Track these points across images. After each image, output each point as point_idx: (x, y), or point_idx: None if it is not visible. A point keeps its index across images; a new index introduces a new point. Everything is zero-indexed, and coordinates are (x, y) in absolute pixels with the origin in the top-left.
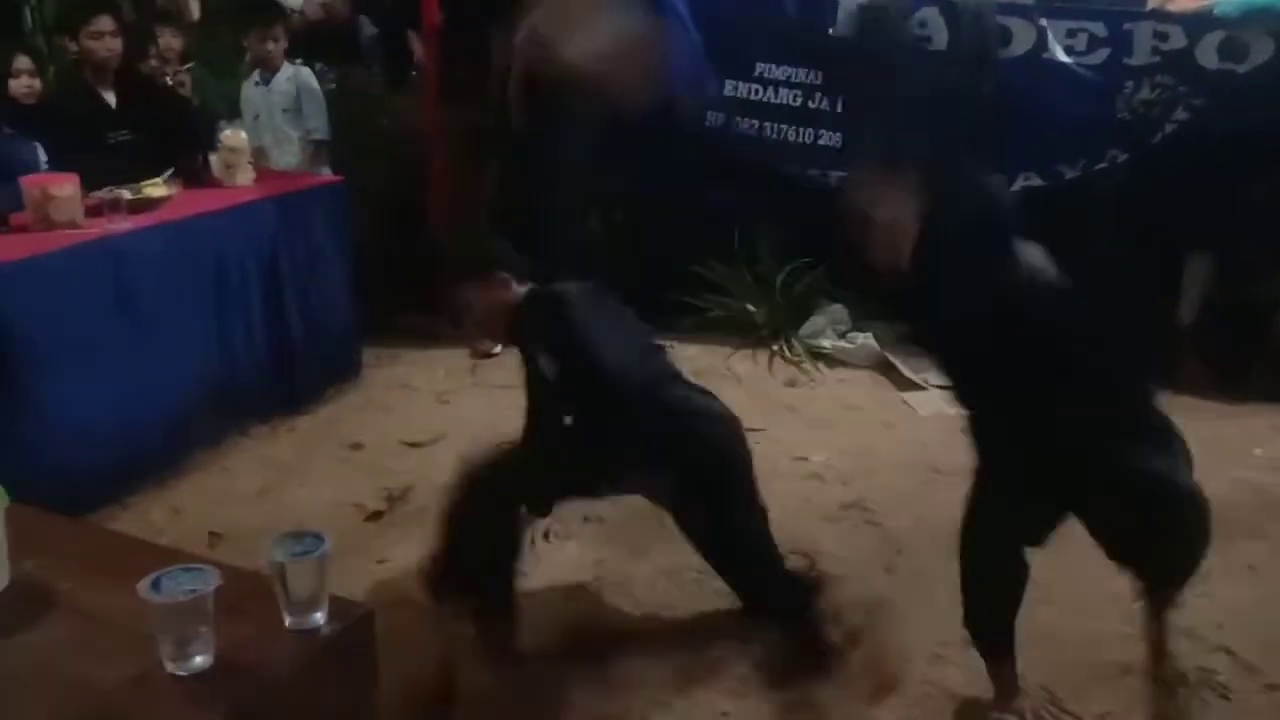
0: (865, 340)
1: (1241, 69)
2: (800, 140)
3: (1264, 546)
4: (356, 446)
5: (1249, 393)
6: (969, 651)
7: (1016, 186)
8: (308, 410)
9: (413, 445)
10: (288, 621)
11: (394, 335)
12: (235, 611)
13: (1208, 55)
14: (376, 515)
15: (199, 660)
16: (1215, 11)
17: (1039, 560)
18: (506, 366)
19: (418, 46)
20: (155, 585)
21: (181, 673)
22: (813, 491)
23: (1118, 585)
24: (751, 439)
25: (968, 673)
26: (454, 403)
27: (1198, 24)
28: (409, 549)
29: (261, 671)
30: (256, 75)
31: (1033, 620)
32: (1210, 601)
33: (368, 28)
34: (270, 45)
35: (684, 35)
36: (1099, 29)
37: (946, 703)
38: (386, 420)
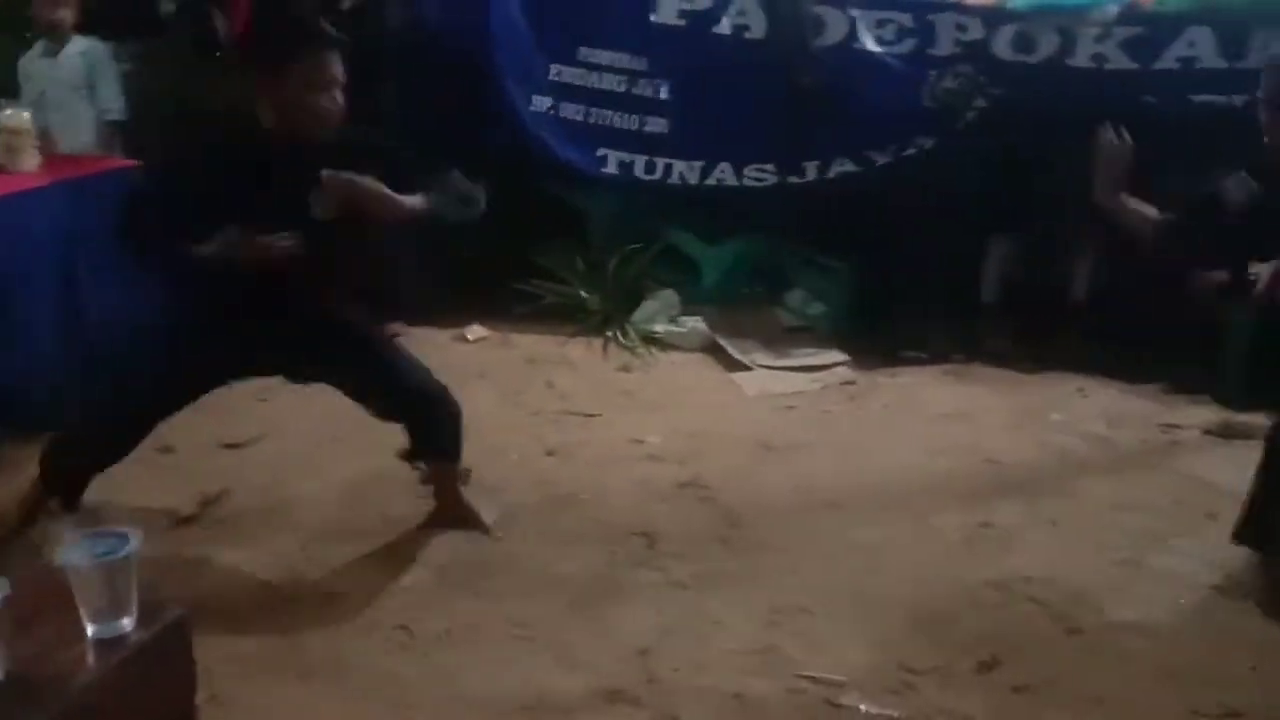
0: (695, 324)
1: (1033, 60)
2: (626, 126)
3: (1064, 502)
4: (166, 450)
5: (1046, 363)
6: (800, 617)
7: (831, 173)
8: None
9: (229, 446)
10: (91, 630)
11: None
12: (30, 622)
13: (1003, 47)
14: (188, 520)
15: None
16: (1009, 5)
17: None
18: None
19: (221, 22)
20: None
21: None
22: (650, 472)
23: None
24: (588, 424)
25: (800, 638)
26: (272, 400)
27: (993, 17)
28: (226, 554)
29: (61, 685)
30: (40, 47)
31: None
32: (1019, 557)
33: (167, 3)
34: (60, 12)
35: (509, 15)
36: (906, 20)
37: (783, 666)
38: (199, 421)
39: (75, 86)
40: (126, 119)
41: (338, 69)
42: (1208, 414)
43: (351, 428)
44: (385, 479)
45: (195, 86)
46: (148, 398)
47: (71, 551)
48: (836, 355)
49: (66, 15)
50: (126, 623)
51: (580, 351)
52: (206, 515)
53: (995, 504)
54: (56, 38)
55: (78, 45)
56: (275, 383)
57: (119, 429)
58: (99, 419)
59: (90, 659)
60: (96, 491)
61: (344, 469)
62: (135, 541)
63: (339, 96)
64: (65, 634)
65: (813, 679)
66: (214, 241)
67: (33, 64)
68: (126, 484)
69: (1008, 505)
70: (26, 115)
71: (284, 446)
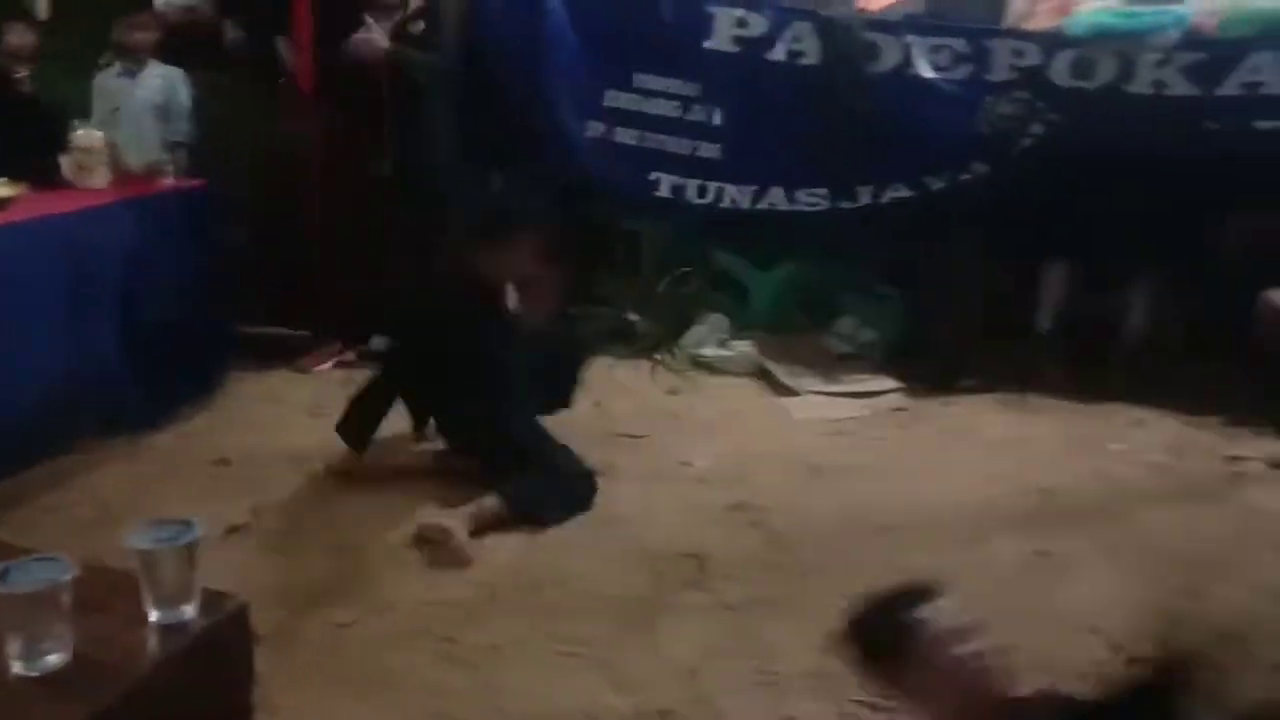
0: (744, 348)
1: (1090, 86)
2: (679, 151)
3: (1123, 531)
4: (222, 462)
5: (1103, 394)
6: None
7: (885, 198)
8: (168, 425)
9: (284, 460)
10: (153, 616)
11: (264, 349)
12: (96, 608)
13: (1060, 73)
14: (239, 529)
15: (53, 659)
16: (1066, 31)
17: None
18: None
19: (288, 53)
20: (2, 577)
21: (33, 673)
22: (698, 494)
23: None
24: (636, 445)
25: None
26: (327, 417)
27: (1050, 42)
28: (275, 562)
29: (124, 669)
30: (118, 66)
31: None
32: (1077, 586)
33: (233, 32)
34: (142, 35)
35: (563, 44)
36: (961, 46)
37: (834, 690)
38: (255, 436)
39: (150, 108)
40: (193, 143)
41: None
42: (1273, 447)
43: (403, 440)
44: (438, 492)
45: (258, 115)
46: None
47: (137, 536)
48: (887, 382)
49: (148, 38)
50: (188, 610)
51: (629, 374)
52: (258, 525)
53: (1052, 532)
54: (136, 60)
55: (157, 69)
56: (331, 400)
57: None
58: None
59: (152, 644)
60: (146, 501)
61: (396, 484)
62: (199, 528)
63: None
64: (129, 619)
65: (865, 704)
66: None
67: (109, 82)
68: (179, 494)
69: (1065, 534)
70: (99, 135)
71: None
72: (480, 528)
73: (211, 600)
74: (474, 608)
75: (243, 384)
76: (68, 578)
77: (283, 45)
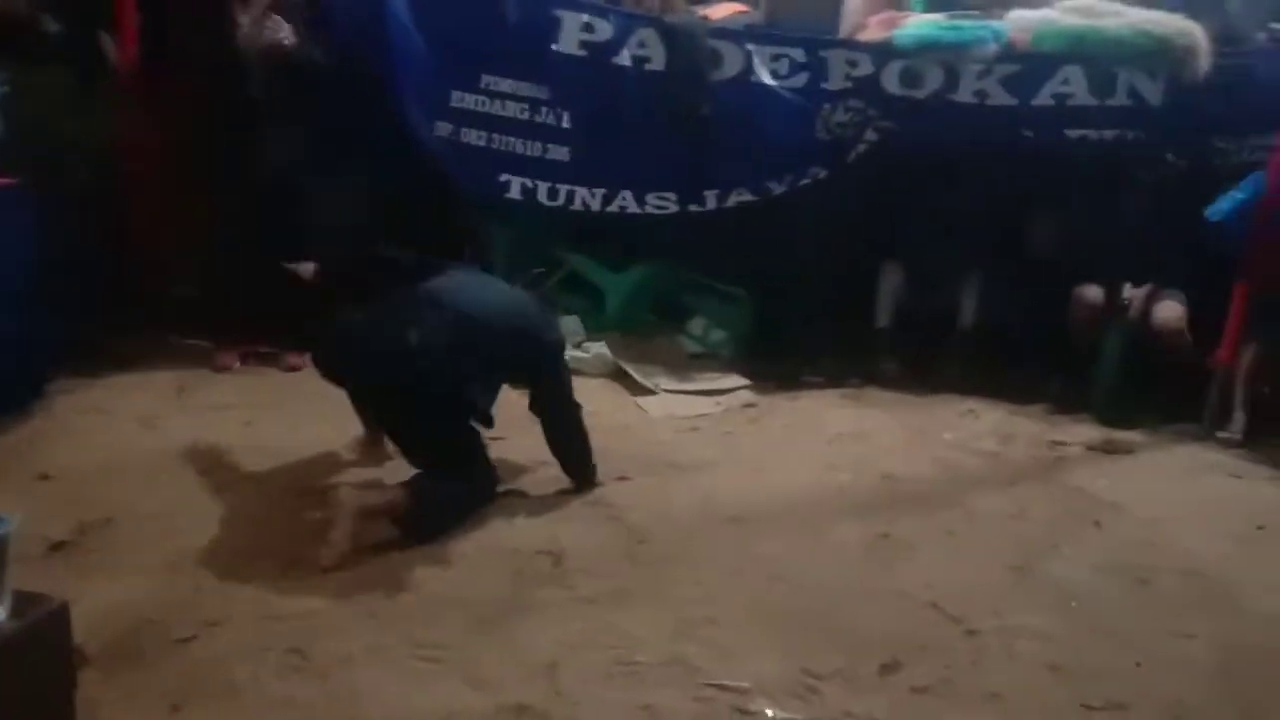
0: (600, 350)
1: (919, 95)
2: (528, 153)
3: (959, 514)
4: (43, 477)
5: (937, 386)
6: (706, 628)
7: (731, 202)
8: None
9: (111, 473)
10: None
11: (92, 357)
12: None
13: (891, 81)
14: (62, 545)
15: None
16: (895, 42)
17: None
18: (220, 387)
19: (111, 48)
20: None
21: None
22: (555, 493)
23: None
24: (493, 446)
25: (706, 648)
26: (160, 427)
27: (881, 53)
28: (103, 581)
29: None
30: None
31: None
32: (918, 565)
33: (50, 26)
34: None
35: (408, 44)
36: (799, 54)
37: (690, 675)
38: (80, 448)
39: None
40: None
41: None
42: (1091, 431)
43: (242, 450)
44: (277, 502)
45: (74, 115)
46: None
47: None
48: (738, 380)
49: None
50: None
51: None
52: (84, 541)
53: (893, 516)
54: None
55: None
56: (164, 410)
57: None
58: None
59: None
60: None
61: (233, 494)
62: (11, 523)
63: None
64: None
65: (720, 687)
66: None
67: None
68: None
69: (905, 518)
70: None
71: (173, 473)
72: (396, 519)
73: (25, 602)
74: (324, 617)
75: (67, 393)
76: None
77: (106, 40)
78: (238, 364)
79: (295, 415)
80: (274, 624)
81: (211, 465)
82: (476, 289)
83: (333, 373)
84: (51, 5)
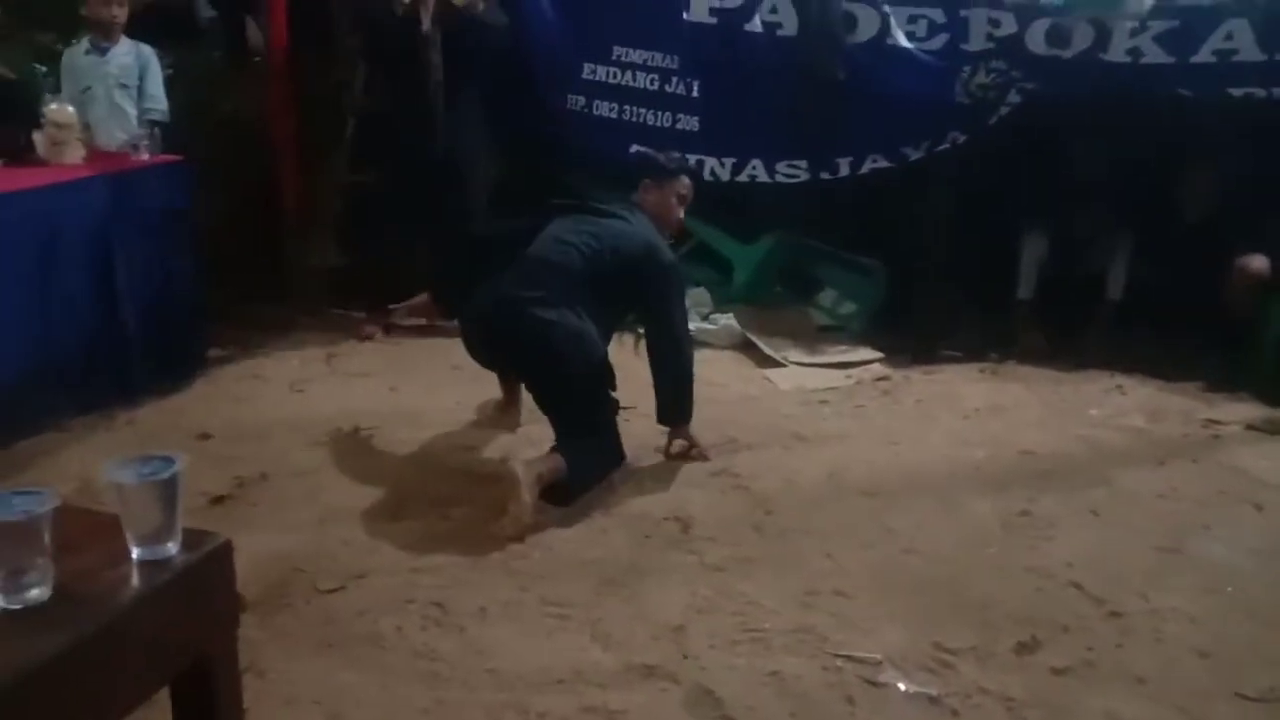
0: (727, 322)
1: (1066, 54)
2: (659, 124)
3: (1104, 492)
4: (204, 437)
5: (1083, 360)
6: (835, 599)
7: (864, 168)
8: (149, 401)
9: (267, 434)
10: (136, 553)
11: (245, 324)
12: (79, 548)
13: (1036, 41)
14: (222, 499)
15: (35, 593)
16: (1041, 0)
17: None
18: (365, 354)
19: (255, 32)
20: None
21: (14, 605)
22: (683, 462)
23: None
24: (623, 415)
25: (835, 618)
26: (309, 392)
27: (1026, 11)
28: (260, 533)
29: (105, 603)
30: (87, 43)
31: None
32: (1059, 544)
33: (205, 10)
34: (113, 10)
35: (543, 17)
36: (938, 15)
37: (818, 645)
38: (237, 410)
39: (123, 85)
40: (168, 120)
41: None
42: (1250, 410)
43: (386, 414)
44: (419, 464)
45: (226, 94)
46: None
47: (119, 470)
48: (870, 353)
49: (120, 14)
50: (171, 546)
51: (612, 347)
52: (242, 496)
53: (1034, 493)
54: (107, 35)
55: (126, 45)
56: (315, 375)
57: None
58: None
59: (134, 579)
60: None
61: (377, 455)
62: (182, 462)
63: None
64: (112, 555)
65: (849, 658)
66: None
67: (78, 59)
68: None
69: (1046, 495)
70: (71, 110)
71: (320, 436)
72: (544, 487)
73: (194, 538)
74: (460, 573)
75: (223, 359)
76: (48, 508)
77: (252, 25)
78: (380, 333)
79: (434, 381)
80: (416, 577)
81: (357, 428)
82: (575, 234)
83: (482, 358)
84: None
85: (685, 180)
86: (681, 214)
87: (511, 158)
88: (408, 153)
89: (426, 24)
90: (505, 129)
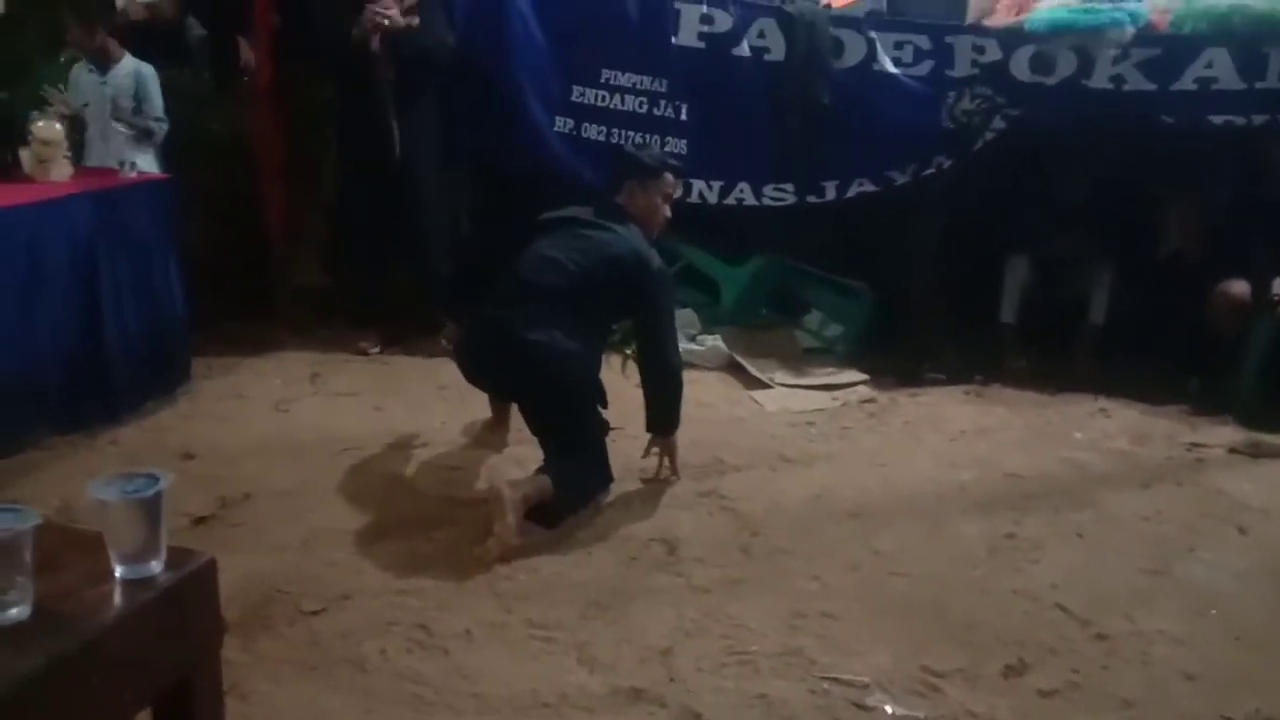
0: (714, 343)
1: (1050, 81)
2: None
3: (1089, 515)
4: (188, 456)
5: (1067, 384)
6: (822, 620)
7: (850, 192)
8: (132, 420)
9: (250, 453)
10: (119, 571)
11: (229, 342)
12: (61, 566)
13: (1020, 68)
14: (205, 520)
15: (14, 612)
16: (1026, 27)
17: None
18: (350, 374)
19: (245, 51)
20: None
21: None
22: (669, 483)
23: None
24: (611, 436)
25: (822, 640)
26: (293, 411)
27: (1011, 38)
28: (244, 553)
29: (86, 621)
30: (87, 62)
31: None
32: (1044, 566)
33: (196, 29)
34: (96, 39)
35: (528, 37)
36: (923, 42)
37: (805, 667)
38: (220, 429)
39: (122, 103)
40: (165, 128)
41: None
42: (1233, 433)
43: (372, 434)
44: (404, 484)
45: (213, 113)
46: None
47: (103, 487)
48: (856, 375)
49: (107, 41)
50: (155, 565)
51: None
52: (225, 516)
53: (1019, 515)
54: (102, 60)
55: (128, 65)
56: (298, 394)
57: None
58: None
59: (117, 598)
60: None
61: (362, 475)
62: (165, 481)
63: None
64: (94, 573)
65: (836, 680)
66: None
67: (81, 76)
68: None
69: (1032, 517)
70: (59, 127)
71: (306, 455)
72: (530, 509)
73: (178, 557)
74: (445, 595)
75: (207, 378)
76: (29, 526)
77: (242, 44)
78: (376, 349)
79: (420, 401)
80: (399, 599)
81: (342, 448)
82: (564, 251)
83: (475, 380)
84: (196, 9)
85: (669, 178)
86: (668, 212)
87: (485, 188)
88: (362, 166)
89: (375, 44)
90: (465, 147)
